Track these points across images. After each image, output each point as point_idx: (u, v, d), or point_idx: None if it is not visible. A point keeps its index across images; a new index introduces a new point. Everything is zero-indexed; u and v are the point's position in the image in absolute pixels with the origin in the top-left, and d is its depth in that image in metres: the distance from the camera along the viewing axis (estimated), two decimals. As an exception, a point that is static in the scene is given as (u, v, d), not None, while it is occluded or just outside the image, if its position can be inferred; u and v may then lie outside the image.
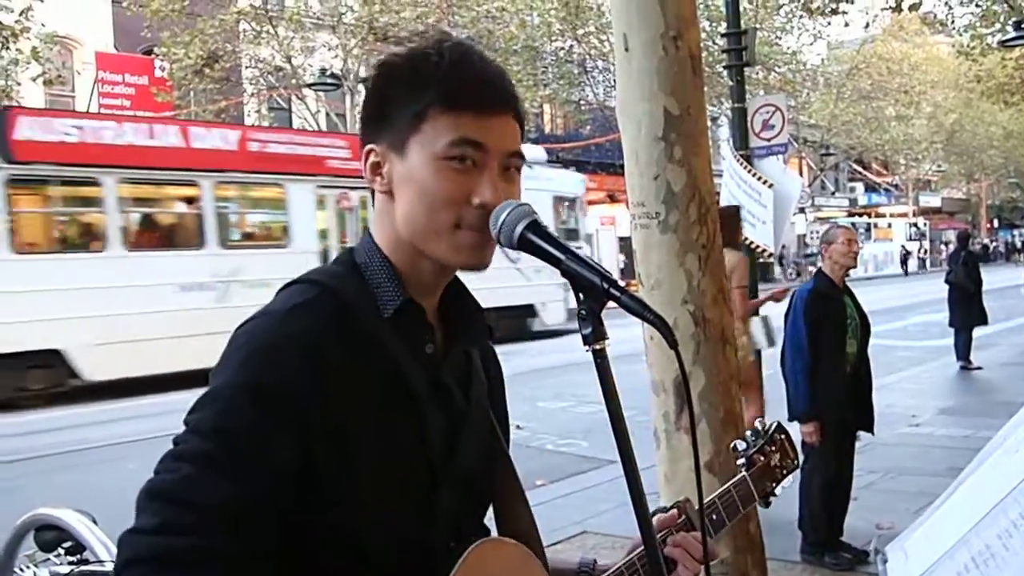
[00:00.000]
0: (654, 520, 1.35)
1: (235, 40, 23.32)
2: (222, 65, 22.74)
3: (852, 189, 54.15)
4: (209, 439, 1.06)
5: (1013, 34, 19.37)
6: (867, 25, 27.42)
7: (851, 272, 5.51)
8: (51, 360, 12.83)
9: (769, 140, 7.86)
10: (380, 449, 1.14)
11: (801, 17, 22.74)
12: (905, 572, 1.30)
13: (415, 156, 1.18)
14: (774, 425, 1.69)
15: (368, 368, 1.15)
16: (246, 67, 24.88)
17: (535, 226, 1.13)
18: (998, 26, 22.59)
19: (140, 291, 13.38)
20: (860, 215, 51.13)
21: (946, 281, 13.08)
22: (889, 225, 52.02)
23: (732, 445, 1.66)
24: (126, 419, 11.05)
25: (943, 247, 50.96)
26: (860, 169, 51.06)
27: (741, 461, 1.64)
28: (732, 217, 6.39)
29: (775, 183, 7.33)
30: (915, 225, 53.32)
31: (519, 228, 1.13)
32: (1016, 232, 64.26)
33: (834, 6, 18.39)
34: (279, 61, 23.73)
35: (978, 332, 12.74)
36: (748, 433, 1.69)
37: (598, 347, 1.09)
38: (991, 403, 9.59)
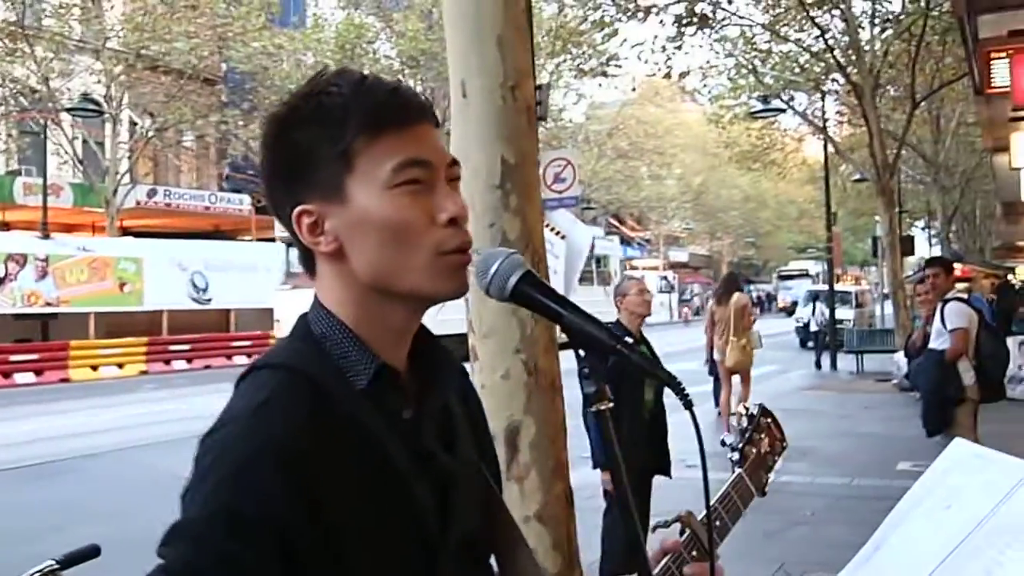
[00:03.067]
0: (658, 542, 1.30)
1: (-16, 56, 21.55)
2: (-33, 82, 20.93)
3: (609, 242, 56.91)
4: None
5: (760, 107, 21.22)
6: (634, 89, 29.09)
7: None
8: None
9: (560, 192, 8.10)
10: (374, 541, 1.02)
11: (575, 76, 23.81)
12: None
13: (361, 197, 1.06)
14: (757, 408, 1.62)
15: (349, 455, 1.02)
16: (-3, 86, 23.01)
17: (530, 277, 1.06)
18: (744, 97, 24.66)
19: None
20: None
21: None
22: (642, 277, 54.98)
23: (721, 440, 1.56)
24: None
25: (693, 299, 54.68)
26: (617, 224, 53.84)
27: (735, 457, 1.56)
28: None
29: (566, 234, 7.55)
30: (665, 278, 56.74)
31: (512, 280, 1.06)
32: (752, 287, 69.79)
33: (604, 69, 19.38)
34: (34, 82, 22.07)
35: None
36: (734, 422, 1.61)
37: (602, 408, 1.03)
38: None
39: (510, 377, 3.53)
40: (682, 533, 1.35)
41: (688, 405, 1.02)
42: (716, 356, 11.86)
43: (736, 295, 11.75)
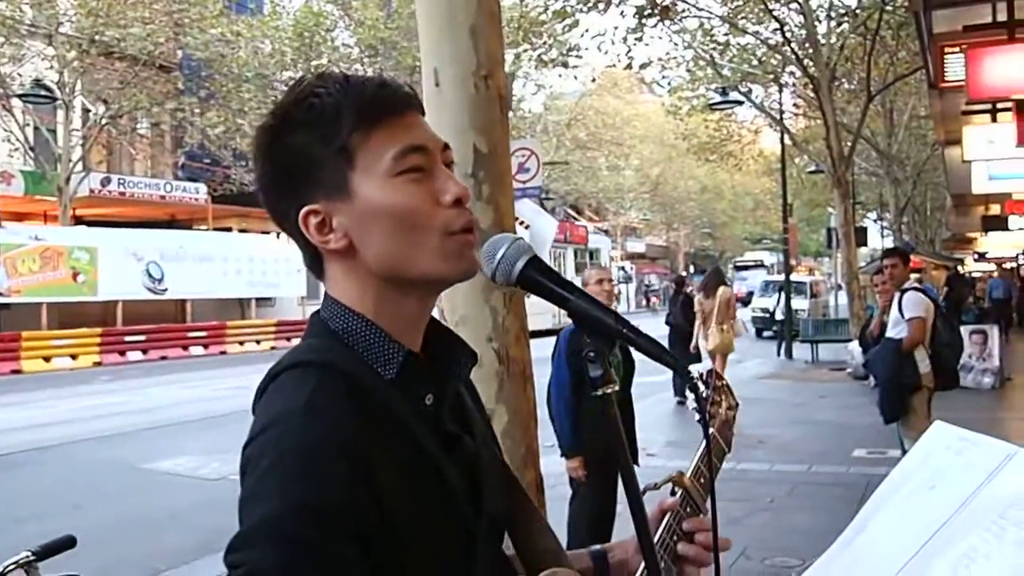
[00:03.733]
0: (656, 505, 1.33)
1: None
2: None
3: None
4: None
5: (718, 99, 21.40)
6: (594, 80, 29.16)
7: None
8: None
9: (524, 183, 8.11)
10: (422, 526, 1.04)
11: (535, 66, 23.83)
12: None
13: (365, 189, 1.09)
14: (710, 372, 1.65)
15: (390, 444, 1.04)
16: (-58, 71, 22.47)
17: (537, 262, 1.08)
18: (702, 89, 24.86)
19: None
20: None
21: (666, 322, 14.05)
22: (608, 266, 55.32)
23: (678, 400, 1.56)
24: None
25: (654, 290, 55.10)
26: (575, 214, 54.02)
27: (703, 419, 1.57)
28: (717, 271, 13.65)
29: (531, 224, 7.58)
30: (623, 268, 57.04)
31: (519, 264, 1.07)
32: (708, 278, 70.46)
33: (565, 59, 19.40)
34: (-18, 68, 21.63)
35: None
36: (693, 385, 1.61)
37: (608, 391, 1.05)
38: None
39: (482, 366, 3.54)
40: (673, 493, 1.40)
41: (694, 388, 1.04)
42: (700, 342, 13.05)
43: (722, 288, 13.15)
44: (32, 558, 2.22)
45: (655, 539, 1.29)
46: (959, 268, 32.98)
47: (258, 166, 1.15)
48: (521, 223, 7.46)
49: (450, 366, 1.18)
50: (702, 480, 1.45)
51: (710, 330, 12.84)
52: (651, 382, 15.56)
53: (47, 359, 21.17)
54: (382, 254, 1.10)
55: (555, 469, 5.18)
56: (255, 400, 1.10)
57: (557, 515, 4.79)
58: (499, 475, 1.24)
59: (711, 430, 1.54)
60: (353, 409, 1.02)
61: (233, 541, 0.97)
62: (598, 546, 1.39)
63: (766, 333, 27.08)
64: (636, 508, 1.09)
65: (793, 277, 24.99)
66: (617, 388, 1.06)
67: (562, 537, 5.27)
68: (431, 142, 1.12)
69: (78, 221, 25.34)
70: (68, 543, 2.31)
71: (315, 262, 1.15)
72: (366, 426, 1.02)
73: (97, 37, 21.89)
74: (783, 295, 22.50)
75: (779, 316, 23.31)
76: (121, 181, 25.94)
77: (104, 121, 24.45)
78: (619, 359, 5.59)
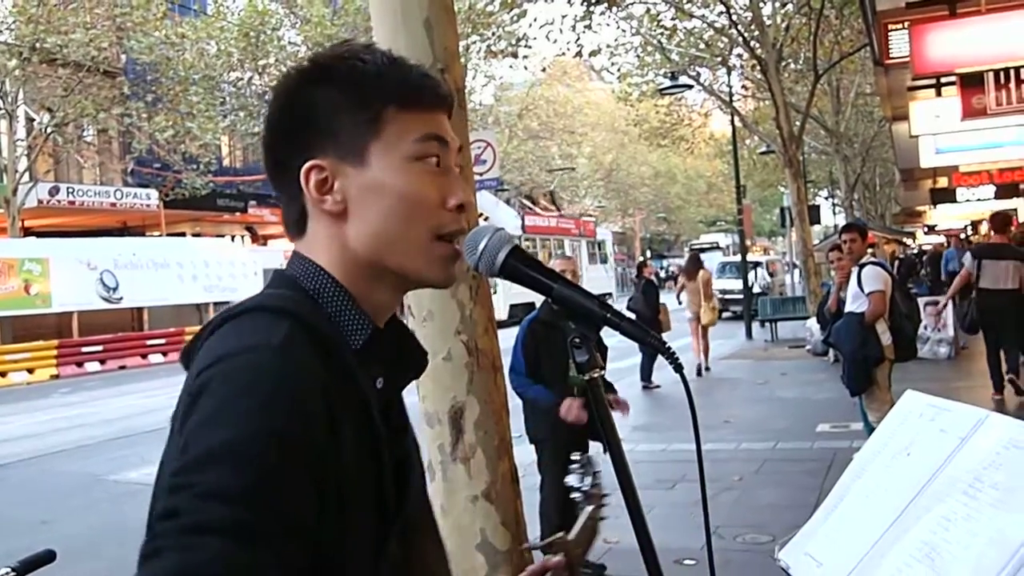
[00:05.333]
0: (538, 564, 1.32)
1: None
2: None
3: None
4: (239, 504, 0.85)
5: (668, 83, 21.52)
6: (544, 69, 29.17)
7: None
8: None
9: (481, 175, 8.12)
10: (360, 497, 1.00)
11: (484, 58, 23.79)
12: (822, 576, 1.38)
13: (381, 163, 1.08)
14: (587, 459, 1.59)
15: (353, 412, 1.01)
16: None
17: (519, 252, 1.09)
18: (652, 74, 24.99)
19: None
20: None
21: (628, 308, 14.14)
22: (573, 257, 55.45)
23: (568, 485, 1.56)
24: None
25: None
26: (530, 204, 54.03)
27: (580, 497, 1.55)
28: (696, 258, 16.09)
29: (489, 215, 7.57)
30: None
31: (501, 255, 1.09)
32: (664, 262, 70.88)
33: (514, 50, 19.40)
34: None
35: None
36: (576, 470, 1.57)
37: (595, 375, 1.07)
38: (677, 418, 10.47)
39: (452, 359, 3.57)
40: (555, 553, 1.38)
41: (679, 369, 1.06)
42: (689, 315, 15.72)
43: (701, 271, 15.69)
44: (12, 574, 2.19)
45: None
46: (908, 241, 33.55)
47: (275, 106, 1.14)
48: (480, 215, 7.45)
49: (406, 360, 1.18)
50: (580, 549, 1.44)
51: (702, 309, 15.38)
52: (617, 368, 15.73)
53: (3, 374, 20.77)
54: (371, 232, 1.09)
55: (525, 459, 5.20)
56: (195, 340, 1.05)
57: (531, 503, 4.81)
58: (420, 484, 1.22)
59: (589, 508, 1.53)
60: (324, 363, 0.99)
61: (185, 463, 0.89)
62: None
63: (725, 314, 27.35)
64: (628, 493, 1.09)
65: (749, 257, 25.24)
66: (604, 372, 1.08)
67: (536, 526, 5.29)
68: (452, 140, 1.14)
69: (28, 233, 24.88)
70: (48, 558, 2.28)
71: (300, 219, 1.13)
72: (335, 382, 0.99)
73: (38, 44, 21.47)
74: (758, 271, 23.13)
75: (757, 290, 24.54)
76: (70, 190, 25.51)
77: (49, 130, 24.00)
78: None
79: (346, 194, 1.09)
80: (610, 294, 36.86)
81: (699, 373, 14.79)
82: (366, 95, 1.09)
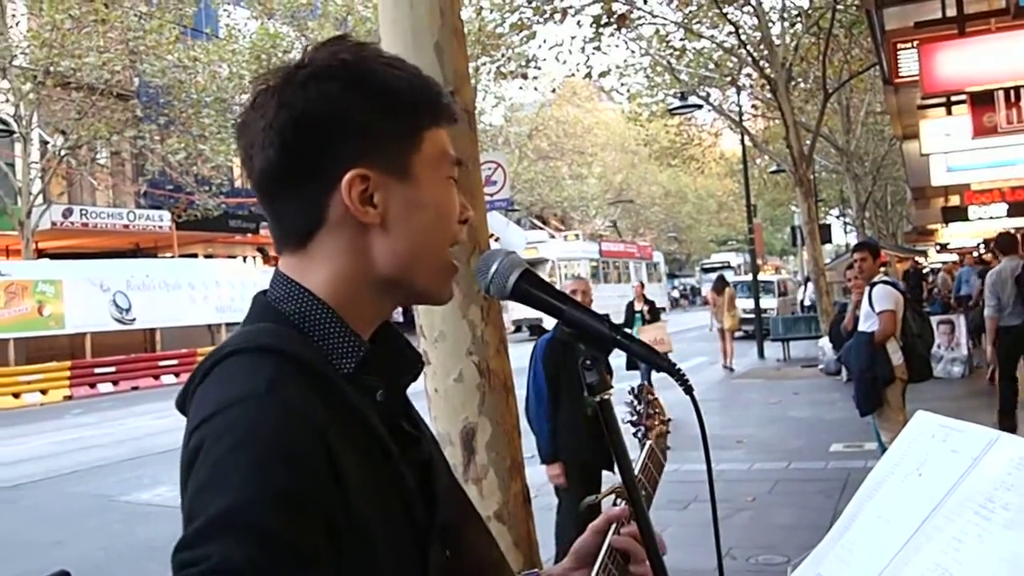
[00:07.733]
0: (601, 517, 1.30)
1: None
2: None
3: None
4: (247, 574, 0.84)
5: (677, 103, 21.57)
6: (554, 90, 29.27)
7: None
8: None
9: (492, 195, 8.15)
10: (381, 525, 0.98)
11: (494, 79, 23.87)
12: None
13: (426, 178, 1.07)
14: (640, 387, 1.62)
15: (354, 439, 0.98)
16: None
17: (529, 275, 1.10)
18: (661, 94, 25.05)
19: None
20: (543, 268, 54.06)
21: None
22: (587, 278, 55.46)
23: (621, 419, 1.55)
24: None
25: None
26: (541, 224, 54.10)
27: (640, 432, 1.55)
28: (722, 278, 21.45)
29: (500, 236, 7.60)
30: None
31: (512, 278, 1.10)
32: (677, 282, 70.72)
33: (524, 71, 19.48)
34: (-64, 103, 21.33)
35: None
36: (628, 401, 1.61)
37: (606, 397, 1.07)
38: (688, 438, 10.39)
39: (463, 380, 3.56)
40: (616, 503, 1.38)
41: (689, 391, 1.06)
42: (716, 326, 20.39)
43: (727, 289, 20.68)
44: (26, 595, 2.19)
45: (602, 551, 1.26)
46: (919, 260, 33.41)
47: (307, 101, 1.04)
48: (491, 236, 7.47)
49: (402, 365, 1.15)
50: (643, 493, 1.41)
51: (724, 315, 19.74)
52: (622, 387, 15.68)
53: (16, 395, 20.85)
54: (407, 247, 1.07)
55: (538, 479, 5.20)
56: (188, 386, 1.02)
57: (544, 524, 4.79)
58: (449, 481, 1.19)
59: (649, 442, 1.54)
60: (315, 397, 0.96)
61: (186, 537, 0.87)
62: (531, 570, 1.34)
63: (737, 333, 27.30)
64: (639, 514, 1.10)
65: (760, 276, 25.19)
66: (613, 392, 1.09)
67: (550, 545, 5.28)
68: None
69: (41, 254, 25.03)
70: None
71: (310, 229, 1.07)
72: (329, 416, 0.96)
73: (52, 68, 21.68)
74: (808, 284, 23.83)
75: (807, 303, 26.39)
76: (83, 212, 25.67)
77: (63, 152, 24.19)
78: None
79: (387, 207, 1.05)
80: (664, 308, 37.22)
81: (730, 370, 18.96)
82: (403, 107, 1.06)
